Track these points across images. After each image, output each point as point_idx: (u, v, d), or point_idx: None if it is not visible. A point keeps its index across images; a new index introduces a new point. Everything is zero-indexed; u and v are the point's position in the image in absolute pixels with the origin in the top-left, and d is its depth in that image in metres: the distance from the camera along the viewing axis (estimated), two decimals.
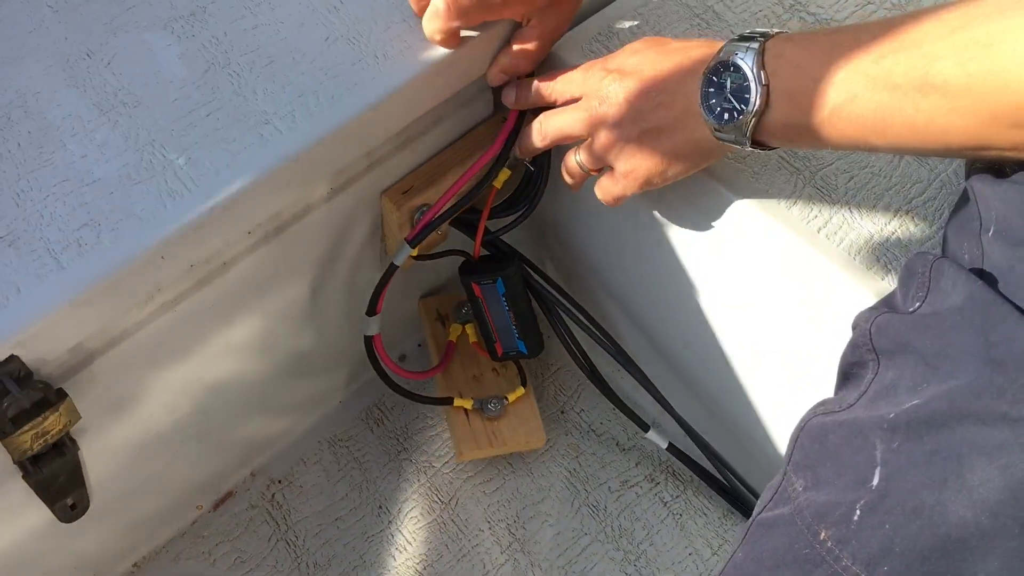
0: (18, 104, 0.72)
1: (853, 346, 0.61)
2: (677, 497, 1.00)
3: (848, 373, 0.62)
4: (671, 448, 0.97)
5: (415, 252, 0.86)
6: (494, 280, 0.90)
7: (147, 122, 0.72)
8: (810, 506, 0.57)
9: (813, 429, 0.60)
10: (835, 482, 0.56)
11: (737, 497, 0.98)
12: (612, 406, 0.98)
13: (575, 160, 0.76)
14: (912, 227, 0.75)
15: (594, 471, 1.02)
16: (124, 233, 0.66)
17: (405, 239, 0.84)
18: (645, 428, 0.97)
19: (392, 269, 0.86)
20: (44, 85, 0.73)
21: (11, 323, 0.61)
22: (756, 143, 0.64)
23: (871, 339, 0.59)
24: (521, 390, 0.98)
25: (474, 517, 0.98)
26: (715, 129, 0.65)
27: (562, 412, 1.05)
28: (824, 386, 0.79)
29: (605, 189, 0.75)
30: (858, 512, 0.54)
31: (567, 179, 0.80)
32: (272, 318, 0.85)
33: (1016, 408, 0.49)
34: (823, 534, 0.55)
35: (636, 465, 1.03)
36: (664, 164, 0.70)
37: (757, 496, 0.98)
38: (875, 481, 0.54)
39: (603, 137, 0.72)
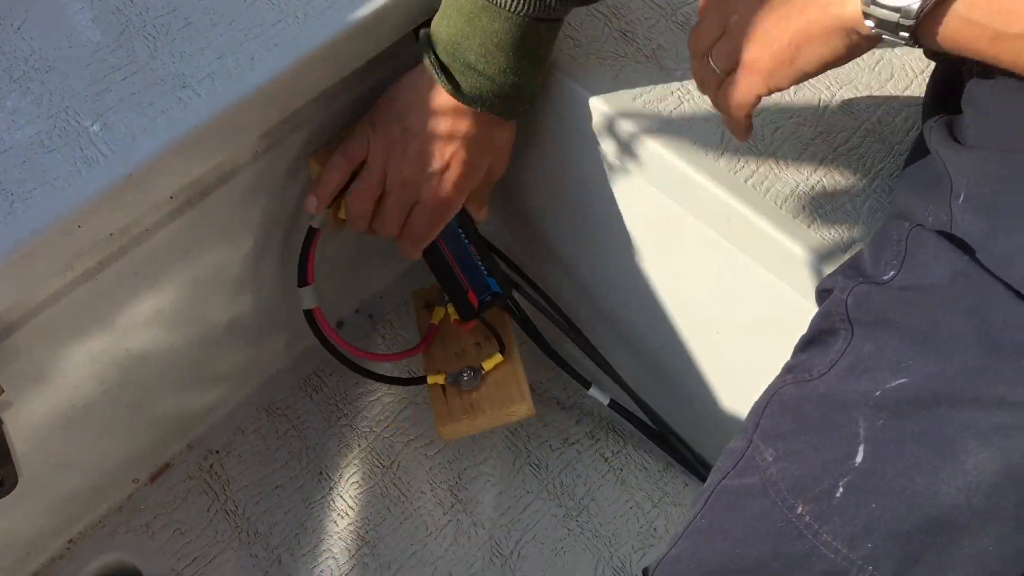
0: None
1: (825, 314, 0.59)
2: (618, 452, 1.01)
3: (814, 338, 0.60)
4: (612, 404, 0.98)
5: (342, 215, 0.84)
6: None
7: (60, 88, 0.70)
8: (784, 479, 0.56)
9: (784, 398, 0.59)
10: (812, 456, 0.55)
11: (677, 451, 0.99)
12: (553, 364, 0.98)
13: (711, 63, 0.63)
14: (838, 176, 0.75)
15: (535, 430, 1.02)
16: (38, 202, 0.64)
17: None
18: (587, 385, 0.98)
19: (312, 233, 0.83)
20: None
21: None
22: (918, 37, 0.52)
23: (846, 309, 0.57)
24: (499, 357, 0.91)
25: (416, 480, 0.98)
26: (867, 3, 0.51)
27: None
28: (760, 341, 0.80)
29: (728, 95, 0.62)
30: (841, 489, 0.53)
31: (703, 90, 0.66)
32: (202, 285, 0.84)
33: (1013, 392, 0.49)
34: (800, 508, 0.55)
35: (577, 423, 1.03)
36: (791, 50, 0.57)
37: (696, 451, 0.99)
38: (859, 458, 0.53)
39: (733, 23, 0.60)
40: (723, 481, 0.60)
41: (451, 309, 0.94)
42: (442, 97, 0.75)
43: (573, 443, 1.02)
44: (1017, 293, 0.50)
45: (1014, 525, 0.49)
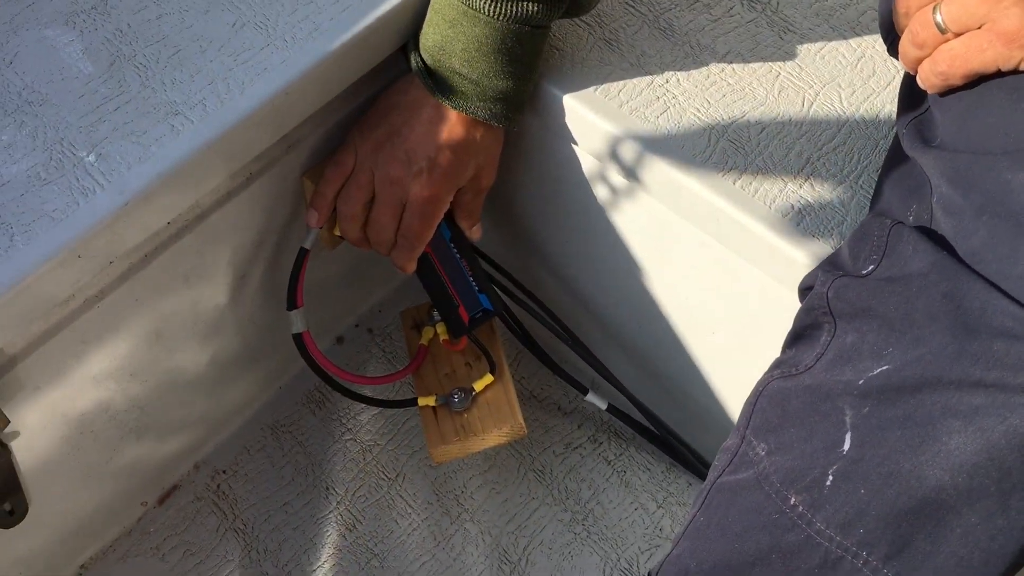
0: None
1: (808, 309, 0.61)
2: (620, 455, 1.02)
3: (800, 334, 0.61)
4: (611, 408, 0.99)
5: (337, 231, 0.85)
6: (438, 228, 0.86)
7: (54, 120, 0.71)
8: (776, 471, 0.57)
9: (773, 393, 0.60)
10: (802, 447, 0.57)
11: (677, 452, 1.00)
12: (551, 371, 0.99)
13: (936, 19, 0.56)
14: (825, 174, 0.76)
15: (538, 436, 1.03)
16: (37, 234, 0.65)
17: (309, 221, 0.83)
18: (584, 391, 0.98)
19: (303, 254, 0.83)
20: None
21: None
22: None
23: (828, 302, 0.59)
24: (489, 377, 0.90)
25: (422, 491, 0.99)
26: None
27: None
28: (755, 339, 0.81)
29: (959, 55, 0.55)
30: (831, 477, 0.55)
31: (912, 51, 0.59)
32: (201, 308, 0.85)
33: (990, 373, 0.50)
34: (793, 499, 0.56)
35: (579, 427, 1.04)
36: None
37: (696, 451, 1.00)
38: (846, 446, 0.54)
39: None
40: (719, 479, 0.62)
41: (441, 329, 0.93)
42: (428, 99, 0.77)
43: (576, 447, 1.03)
44: (990, 283, 0.52)
45: (997, 502, 0.50)
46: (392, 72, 0.85)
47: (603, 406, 0.98)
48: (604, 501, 0.99)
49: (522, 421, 0.88)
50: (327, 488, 0.99)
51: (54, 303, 0.68)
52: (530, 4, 0.72)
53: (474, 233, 0.89)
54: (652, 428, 0.99)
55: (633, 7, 0.87)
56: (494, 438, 0.89)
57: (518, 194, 0.97)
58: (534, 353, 0.98)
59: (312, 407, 1.03)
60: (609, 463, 1.02)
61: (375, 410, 1.03)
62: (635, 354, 0.99)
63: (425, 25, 0.77)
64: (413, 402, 0.91)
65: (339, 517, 0.97)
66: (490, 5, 0.71)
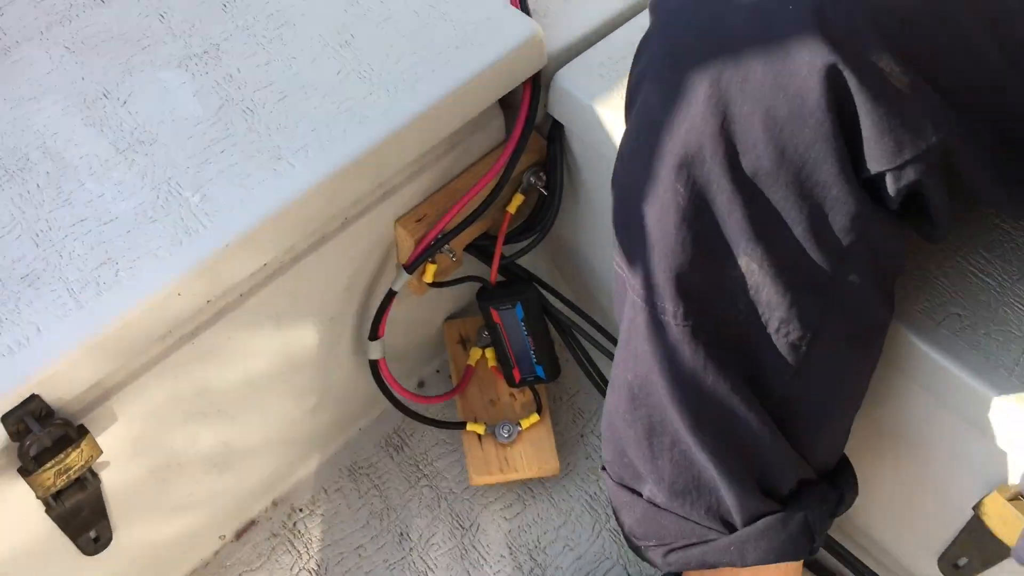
0: (36, 145, 0.74)
1: None
2: None
3: None
4: None
5: (430, 278, 0.87)
6: (513, 305, 0.91)
7: (163, 160, 0.73)
8: None
9: None
10: None
11: None
12: None
13: None
14: None
15: None
16: (142, 271, 0.67)
17: (403, 265, 0.85)
18: None
19: (390, 295, 0.87)
20: (62, 125, 0.75)
21: (32, 363, 0.62)
22: None
23: None
24: (535, 417, 0.98)
25: (495, 543, 0.98)
26: None
27: (581, 436, 1.05)
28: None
29: None
30: None
31: None
32: (290, 347, 0.86)
33: None
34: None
35: None
36: None
37: None
38: None
39: None
40: None
41: (490, 354, 1.00)
42: None
43: None
44: None
45: None
46: (487, 125, 0.86)
47: None
48: None
49: (558, 464, 0.97)
50: (401, 534, 0.98)
51: (151, 339, 0.69)
52: None
53: None
54: None
55: None
56: (532, 473, 0.97)
57: (602, 247, 0.96)
58: (602, 393, 0.97)
59: (390, 451, 1.04)
60: None
61: (452, 457, 1.03)
62: None
63: None
64: (462, 425, 0.98)
65: (411, 564, 0.97)
66: None
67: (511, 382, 0.98)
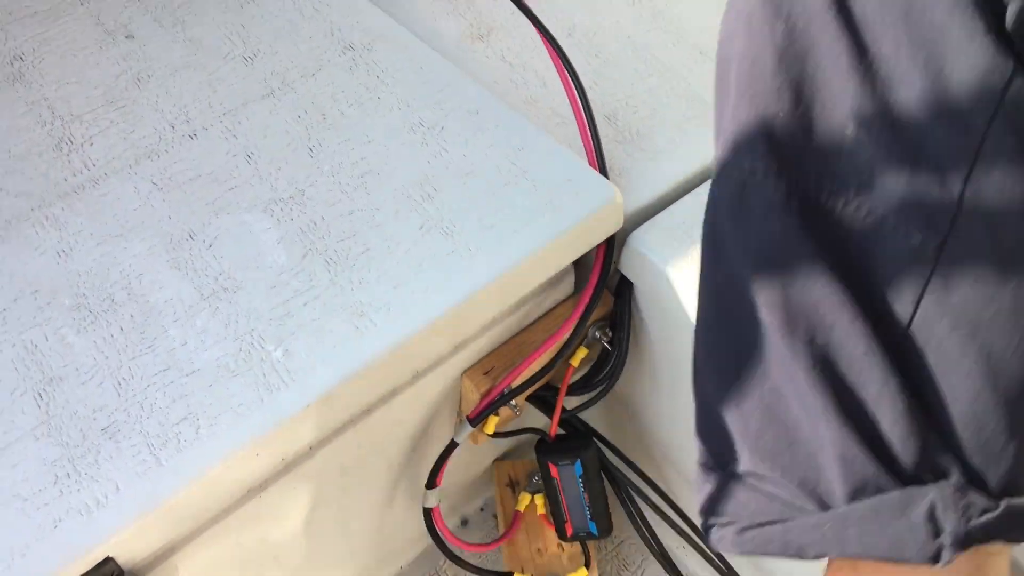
0: (122, 285, 0.74)
1: None
2: None
3: None
4: None
5: (491, 430, 0.86)
6: (572, 462, 0.90)
7: (246, 309, 0.73)
8: None
9: None
10: None
11: None
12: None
13: None
14: None
15: None
16: (221, 429, 0.66)
17: (467, 417, 0.85)
18: None
19: (452, 446, 0.87)
20: (147, 266, 0.75)
21: (111, 525, 0.61)
22: None
23: None
24: (584, 572, 0.97)
25: None
26: None
27: None
28: None
29: None
30: None
31: None
32: (350, 495, 0.85)
33: None
34: None
35: None
36: None
37: None
38: None
39: None
40: None
41: (539, 500, 0.98)
42: None
43: None
44: None
45: None
46: (559, 284, 0.86)
47: None
48: None
49: None
50: None
51: (228, 499, 0.68)
52: None
53: None
54: None
55: None
56: None
57: (659, 402, 0.96)
58: (663, 564, 0.95)
59: None
60: None
61: None
62: (767, 571, 0.95)
63: None
64: (508, 575, 0.98)
65: None
66: None
67: (563, 536, 0.96)
